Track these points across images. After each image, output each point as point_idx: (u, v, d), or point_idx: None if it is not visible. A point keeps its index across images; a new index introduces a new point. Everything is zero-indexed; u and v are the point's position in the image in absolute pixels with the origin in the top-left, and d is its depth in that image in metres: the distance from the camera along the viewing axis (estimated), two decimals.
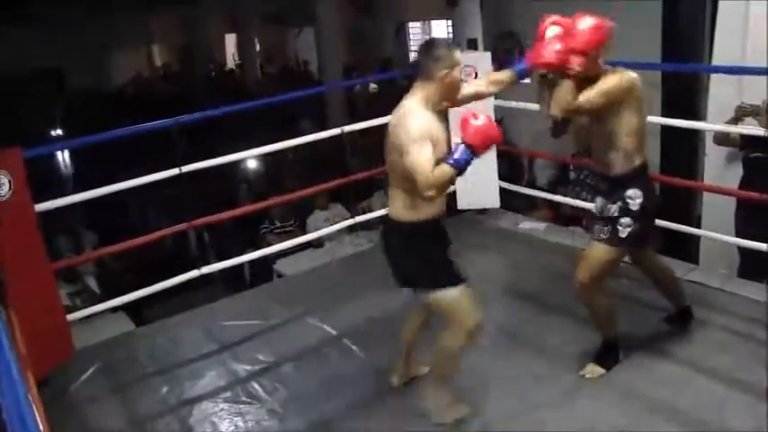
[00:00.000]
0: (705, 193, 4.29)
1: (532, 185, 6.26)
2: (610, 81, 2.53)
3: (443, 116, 2.55)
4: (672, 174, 4.24)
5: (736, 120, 3.76)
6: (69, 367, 3.23)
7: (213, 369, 3.20)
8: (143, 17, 16.65)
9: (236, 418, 2.83)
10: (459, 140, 2.31)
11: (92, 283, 5.42)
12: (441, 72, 2.40)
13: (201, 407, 2.93)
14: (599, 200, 2.78)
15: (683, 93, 4.57)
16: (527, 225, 4.51)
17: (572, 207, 5.16)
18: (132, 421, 2.89)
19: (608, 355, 2.85)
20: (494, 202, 4.59)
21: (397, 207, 2.46)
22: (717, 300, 3.31)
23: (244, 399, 2.95)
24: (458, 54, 2.44)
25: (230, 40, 18.78)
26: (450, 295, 2.45)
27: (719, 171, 4.14)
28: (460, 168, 2.29)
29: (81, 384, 3.15)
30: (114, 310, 4.18)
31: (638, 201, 2.62)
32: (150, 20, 17.28)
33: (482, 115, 2.34)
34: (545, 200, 5.22)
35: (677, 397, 2.65)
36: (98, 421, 2.90)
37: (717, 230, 3.69)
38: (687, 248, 4.19)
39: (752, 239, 3.33)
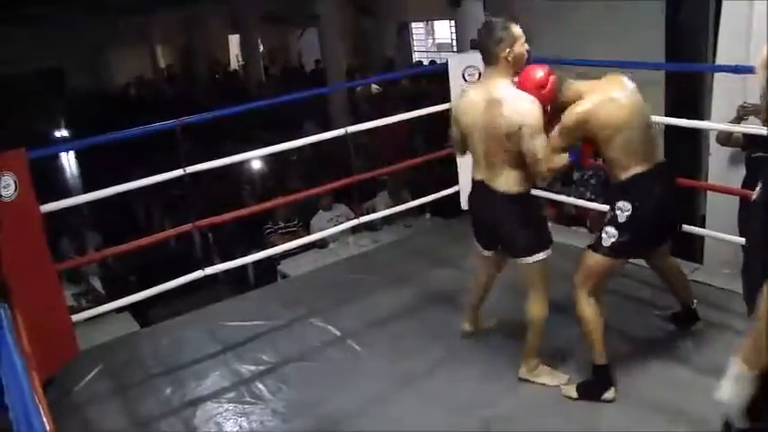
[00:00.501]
0: (709, 193, 4.28)
1: (535, 185, 6.23)
2: (563, 123, 2.59)
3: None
4: (676, 173, 4.23)
5: (738, 119, 3.75)
6: (74, 367, 3.24)
7: (217, 370, 3.20)
8: (146, 18, 16.66)
9: (240, 419, 2.84)
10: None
11: (97, 283, 5.44)
12: (504, 52, 2.53)
13: (206, 407, 2.93)
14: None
15: (687, 92, 4.56)
16: None
17: (575, 207, 5.16)
18: (136, 421, 2.89)
19: (592, 385, 2.69)
20: None
21: (505, 180, 2.63)
22: (720, 299, 3.30)
23: (248, 399, 2.96)
24: (516, 29, 2.58)
25: (234, 40, 18.78)
26: (542, 257, 2.70)
27: (723, 171, 4.13)
28: (573, 162, 2.66)
29: (86, 384, 3.16)
30: (119, 310, 4.19)
31: (627, 213, 2.57)
32: (153, 20, 17.28)
33: None
34: (548, 199, 5.21)
35: (680, 398, 2.64)
36: (102, 421, 2.91)
37: (721, 230, 3.68)
38: (691, 248, 4.17)
39: None
